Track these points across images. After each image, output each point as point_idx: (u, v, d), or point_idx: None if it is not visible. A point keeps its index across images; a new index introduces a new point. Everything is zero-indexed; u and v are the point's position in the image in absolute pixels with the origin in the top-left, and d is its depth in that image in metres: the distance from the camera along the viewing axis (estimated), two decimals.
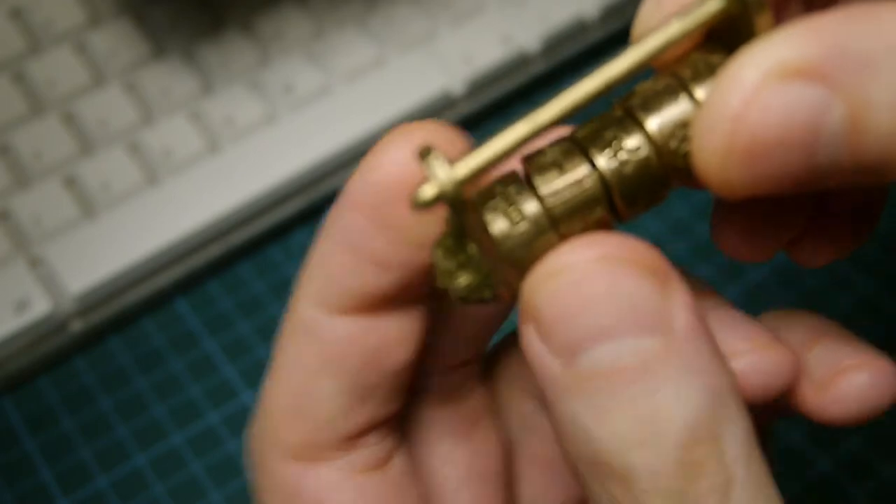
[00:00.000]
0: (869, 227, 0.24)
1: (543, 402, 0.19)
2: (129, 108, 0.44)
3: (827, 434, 0.37)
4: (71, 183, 0.42)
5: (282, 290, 0.42)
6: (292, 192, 0.43)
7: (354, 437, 0.21)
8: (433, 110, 0.45)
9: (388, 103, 0.44)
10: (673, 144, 0.19)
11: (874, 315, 0.40)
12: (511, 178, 0.19)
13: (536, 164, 0.19)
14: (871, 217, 0.24)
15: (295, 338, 0.21)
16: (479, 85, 0.46)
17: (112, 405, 0.39)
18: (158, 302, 0.42)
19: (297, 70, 0.45)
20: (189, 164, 0.43)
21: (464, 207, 0.18)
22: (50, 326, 0.39)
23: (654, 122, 0.19)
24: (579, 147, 0.19)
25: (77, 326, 0.40)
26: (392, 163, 0.19)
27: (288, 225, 0.44)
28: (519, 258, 0.18)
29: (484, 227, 0.18)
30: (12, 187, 0.42)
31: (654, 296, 0.17)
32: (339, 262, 0.20)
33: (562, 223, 0.18)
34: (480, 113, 0.47)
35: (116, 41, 0.45)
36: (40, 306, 0.39)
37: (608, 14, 0.48)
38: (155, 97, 0.44)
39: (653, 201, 0.19)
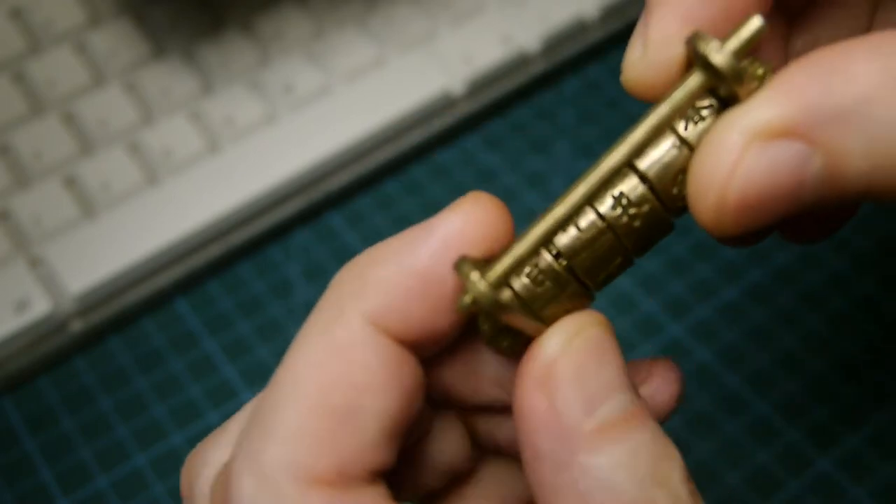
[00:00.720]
0: (855, 207, 0.26)
1: (540, 476, 0.20)
2: (129, 108, 0.44)
3: (827, 434, 0.37)
4: (71, 183, 0.42)
5: (282, 290, 0.42)
6: (292, 192, 0.43)
7: (377, 475, 0.21)
8: (433, 110, 0.45)
9: (388, 103, 0.44)
10: (674, 191, 0.21)
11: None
12: None
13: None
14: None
15: (343, 353, 0.20)
16: (479, 85, 0.46)
17: (112, 405, 0.39)
18: (158, 302, 0.42)
19: (297, 70, 0.45)
20: (189, 164, 0.43)
21: (498, 307, 0.20)
22: (50, 326, 0.39)
23: (655, 173, 0.20)
24: (590, 205, 0.21)
25: (77, 326, 0.40)
26: (471, 225, 0.21)
27: (288, 225, 0.44)
28: (548, 315, 0.21)
29: (514, 293, 0.21)
30: (12, 187, 0.42)
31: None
32: (411, 290, 0.21)
33: (585, 277, 0.21)
34: (480, 113, 0.47)
35: (116, 41, 0.45)
36: (40, 306, 0.39)
37: (608, 14, 0.48)
38: (155, 97, 0.44)
39: (662, 238, 0.22)
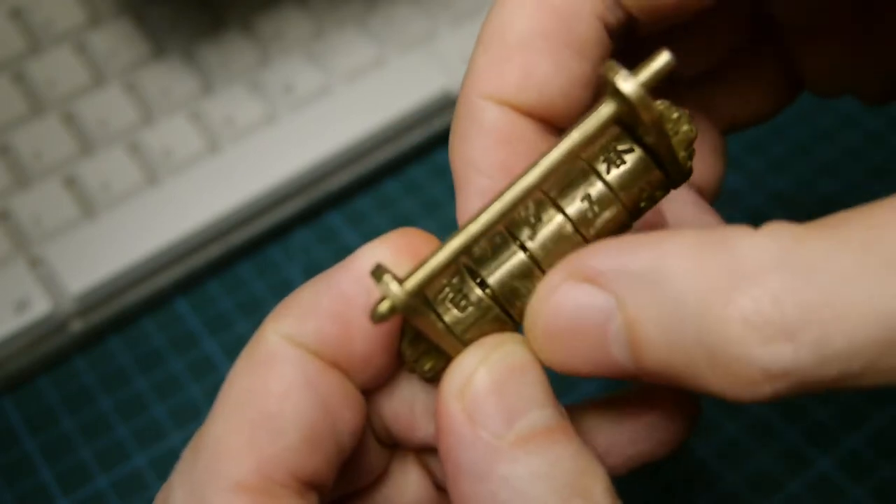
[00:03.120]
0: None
1: (461, 488, 0.20)
2: (129, 108, 0.44)
3: (827, 434, 0.37)
4: (71, 183, 0.42)
5: (282, 290, 0.42)
6: (292, 192, 0.43)
7: (305, 484, 0.21)
8: (433, 110, 0.45)
9: (388, 103, 0.44)
10: (590, 215, 0.21)
11: None
12: (454, 270, 0.22)
13: (474, 255, 0.22)
14: None
15: (259, 367, 0.21)
16: None
17: (112, 405, 0.39)
18: (158, 302, 0.42)
19: (297, 70, 0.45)
20: (189, 164, 0.43)
21: (416, 313, 0.20)
22: (50, 326, 0.39)
23: (573, 207, 0.21)
24: (510, 234, 0.22)
25: (77, 326, 0.40)
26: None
27: (288, 225, 0.44)
28: (471, 339, 0.21)
29: (439, 317, 0.21)
30: (12, 187, 0.42)
31: None
32: (324, 309, 0.21)
33: (504, 302, 0.21)
34: None
35: (116, 41, 0.45)
36: (40, 306, 0.39)
37: None
38: (155, 97, 0.44)
39: None
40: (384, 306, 0.20)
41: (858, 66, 0.28)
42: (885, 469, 0.36)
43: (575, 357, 0.20)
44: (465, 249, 0.20)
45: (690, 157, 0.22)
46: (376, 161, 0.44)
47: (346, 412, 0.22)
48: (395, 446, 0.25)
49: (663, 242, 0.19)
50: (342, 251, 0.43)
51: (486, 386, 0.20)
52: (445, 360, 0.22)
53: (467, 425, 0.20)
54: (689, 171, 0.22)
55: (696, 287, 0.18)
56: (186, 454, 0.21)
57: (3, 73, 0.44)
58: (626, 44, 0.24)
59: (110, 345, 0.41)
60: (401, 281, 0.20)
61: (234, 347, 0.41)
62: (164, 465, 0.38)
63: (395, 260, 0.22)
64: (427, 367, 0.22)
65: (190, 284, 0.42)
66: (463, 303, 0.21)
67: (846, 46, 0.28)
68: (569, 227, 0.21)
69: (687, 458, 0.37)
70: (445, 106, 0.45)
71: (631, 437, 0.24)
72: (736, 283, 0.18)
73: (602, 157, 0.22)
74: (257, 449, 0.20)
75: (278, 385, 0.21)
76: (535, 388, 0.20)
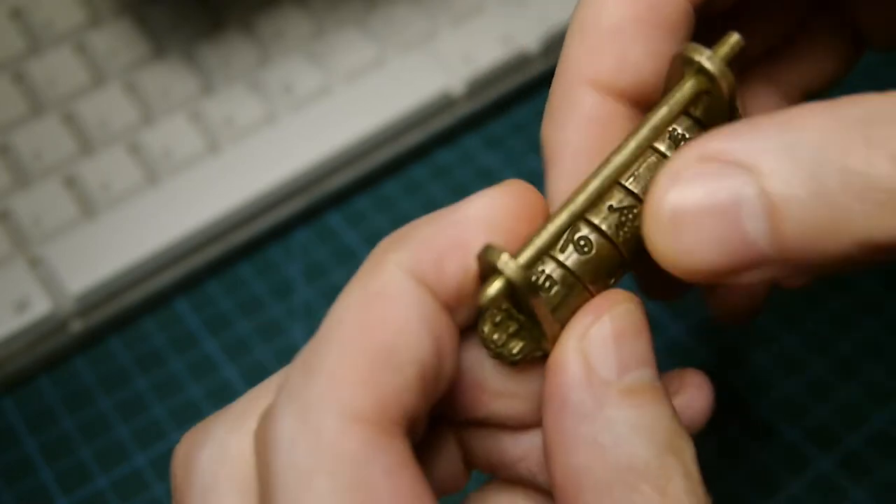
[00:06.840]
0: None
1: (562, 425, 0.21)
2: (129, 108, 0.44)
3: (827, 434, 0.37)
4: (71, 183, 0.42)
5: (282, 289, 0.42)
6: (292, 192, 0.43)
7: (411, 424, 0.21)
8: (433, 110, 0.45)
9: (388, 103, 0.44)
10: None
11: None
12: None
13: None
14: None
15: (378, 298, 0.21)
16: (479, 85, 0.46)
17: (112, 405, 0.39)
18: (158, 302, 0.42)
19: (297, 70, 0.45)
20: (189, 164, 0.43)
21: (533, 290, 0.21)
22: (50, 326, 0.39)
23: (640, 187, 0.22)
24: (583, 219, 0.22)
25: (77, 326, 0.40)
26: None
27: (288, 225, 0.44)
28: (561, 316, 0.22)
29: (525, 296, 0.21)
30: (12, 187, 0.42)
31: None
32: (446, 247, 0.21)
33: (588, 282, 0.22)
34: (480, 113, 0.47)
35: (116, 41, 0.45)
36: (40, 306, 0.39)
37: None
38: (155, 97, 0.44)
39: None
40: (497, 284, 0.20)
41: None
42: (885, 469, 0.36)
43: (704, 245, 0.19)
44: (570, 225, 0.22)
45: None
46: (376, 161, 0.44)
47: (451, 357, 0.22)
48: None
49: (786, 112, 0.19)
50: (342, 251, 0.43)
51: (606, 334, 0.21)
52: (536, 341, 0.22)
53: (583, 366, 0.21)
54: None
55: (834, 139, 0.18)
56: (295, 378, 0.20)
57: (3, 73, 0.44)
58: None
59: (110, 345, 0.41)
60: (514, 258, 0.21)
61: (234, 347, 0.41)
62: (165, 465, 0.38)
63: (512, 207, 0.22)
64: (516, 349, 0.22)
65: (190, 284, 0.42)
66: (547, 283, 0.22)
67: None
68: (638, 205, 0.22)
69: None
70: (445, 106, 0.45)
71: None
72: (874, 128, 0.18)
73: (665, 138, 0.23)
74: (378, 382, 0.20)
75: (398, 319, 0.20)
76: (647, 349, 0.21)
